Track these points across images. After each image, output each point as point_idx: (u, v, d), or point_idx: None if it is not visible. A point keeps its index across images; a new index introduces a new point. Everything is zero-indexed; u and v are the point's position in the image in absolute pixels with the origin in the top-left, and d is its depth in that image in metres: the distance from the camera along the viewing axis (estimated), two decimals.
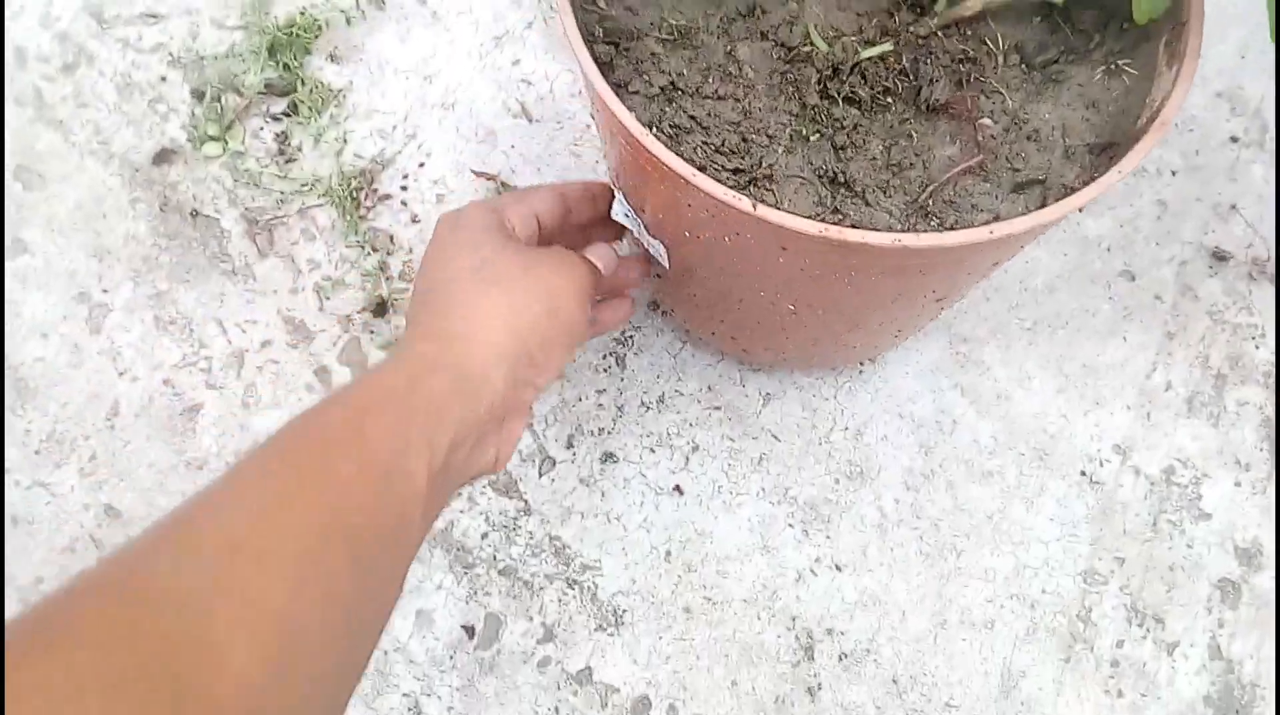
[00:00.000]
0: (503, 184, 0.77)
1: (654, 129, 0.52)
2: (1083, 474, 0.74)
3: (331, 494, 0.37)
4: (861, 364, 0.76)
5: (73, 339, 0.73)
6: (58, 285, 0.74)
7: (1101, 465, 0.75)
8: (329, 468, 0.38)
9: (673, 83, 0.53)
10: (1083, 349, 0.78)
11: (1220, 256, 0.82)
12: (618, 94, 0.53)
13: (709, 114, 0.53)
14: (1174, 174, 0.85)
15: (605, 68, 0.53)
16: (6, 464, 0.70)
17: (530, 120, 0.80)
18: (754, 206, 0.47)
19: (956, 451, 0.74)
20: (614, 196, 0.63)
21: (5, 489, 0.69)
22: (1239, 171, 0.85)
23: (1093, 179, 0.52)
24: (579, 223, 0.62)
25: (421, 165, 0.78)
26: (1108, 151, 0.54)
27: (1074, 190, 0.52)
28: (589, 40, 0.53)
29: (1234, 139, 0.87)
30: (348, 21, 0.81)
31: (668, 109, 0.53)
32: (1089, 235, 0.82)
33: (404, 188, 0.77)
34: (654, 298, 0.76)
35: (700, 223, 0.52)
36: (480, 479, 0.58)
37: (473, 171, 0.77)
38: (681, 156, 0.51)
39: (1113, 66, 0.55)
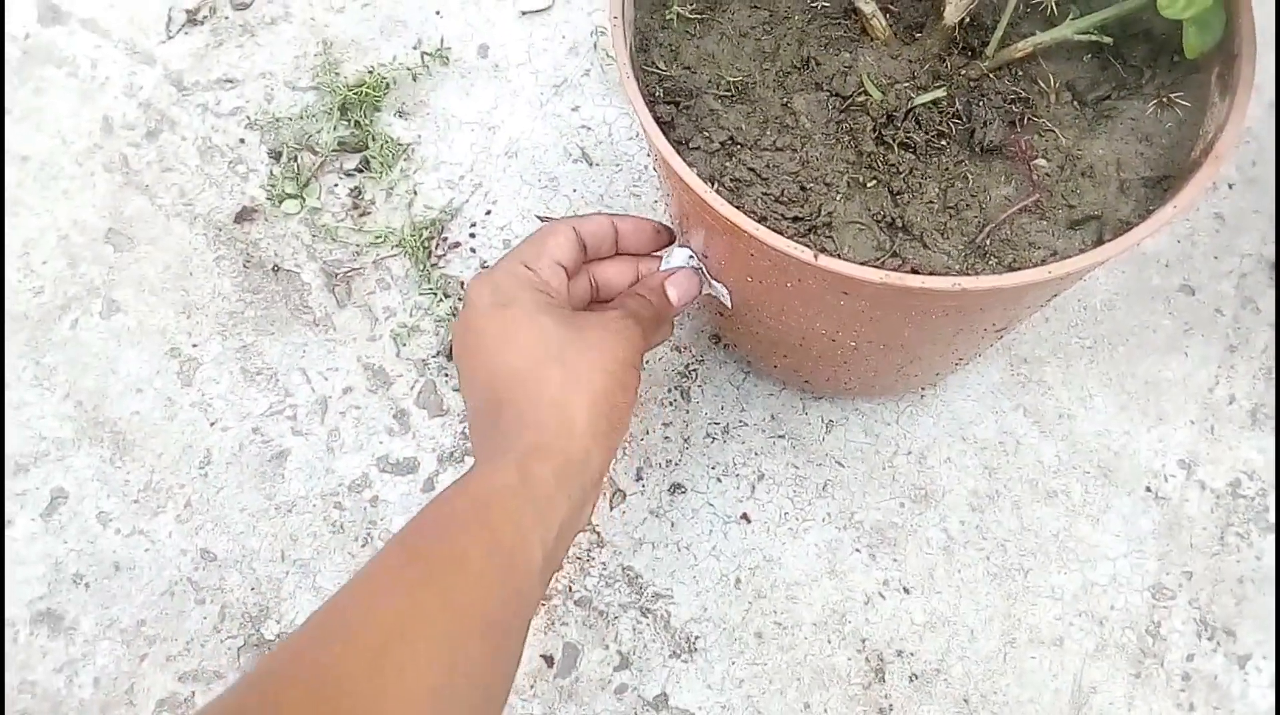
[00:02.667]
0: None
1: (715, 184, 0.54)
2: (1148, 490, 0.75)
3: (465, 579, 0.42)
4: (923, 390, 0.77)
5: (166, 393, 0.77)
6: (150, 342, 0.78)
7: (1166, 480, 0.75)
8: (460, 556, 0.43)
9: (732, 137, 0.55)
10: (1144, 365, 0.79)
11: None
12: (679, 150, 0.55)
13: (768, 165, 0.55)
14: (1230, 187, 0.85)
15: (666, 126, 0.56)
16: (109, 512, 0.74)
17: (590, 164, 0.82)
18: (815, 257, 0.49)
19: (1021, 472, 0.76)
20: (674, 240, 0.65)
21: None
22: None
23: (1149, 212, 0.53)
24: (630, 251, 0.63)
25: (488, 213, 0.81)
26: (1163, 184, 0.55)
27: (1131, 225, 0.54)
28: (650, 101, 0.56)
29: None
30: (414, 78, 0.84)
31: (728, 163, 0.55)
32: (1146, 252, 0.82)
33: (472, 235, 0.81)
34: (716, 332, 0.78)
35: (763, 270, 0.55)
36: None
37: (537, 217, 0.80)
38: (743, 208, 0.54)
39: (1165, 100, 0.56)
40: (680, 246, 0.63)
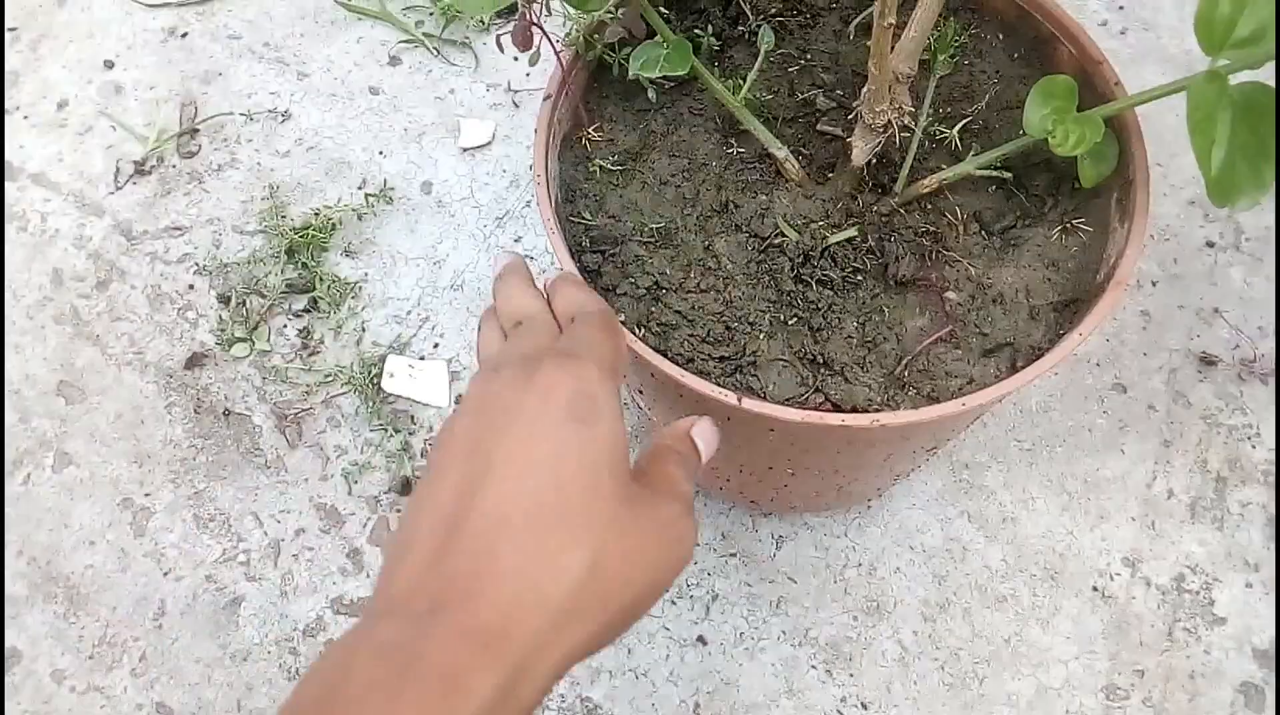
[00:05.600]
0: None
1: (643, 329, 0.56)
2: (1094, 589, 0.76)
3: None
4: (868, 501, 0.79)
5: (119, 544, 0.77)
6: (102, 494, 0.78)
7: (1112, 579, 0.77)
8: None
9: (657, 282, 0.58)
10: (1082, 465, 0.80)
11: (1208, 361, 0.85)
12: (607, 297, 0.57)
13: (693, 307, 0.57)
14: (1154, 284, 0.88)
15: (594, 274, 0.58)
16: (63, 670, 0.74)
17: None
18: (739, 400, 0.51)
19: (969, 578, 0.77)
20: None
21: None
22: (1218, 275, 0.89)
23: (1059, 337, 0.56)
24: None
25: (436, 346, 0.83)
26: (1071, 307, 0.58)
27: (1042, 350, 0.56)
28: (578, 250, 0.58)
29: (1210, 244, 0.90)
30: (359, 218, 0.86)
31: (654, 308, 0.57)
32: (1078, 352, 0.85)
33: (421, 357, 0.82)
34: None
35: (692, 408, 0.56)
36: None
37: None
38: (670, 351, 0.56)
39: (1068, 226, 0.59)
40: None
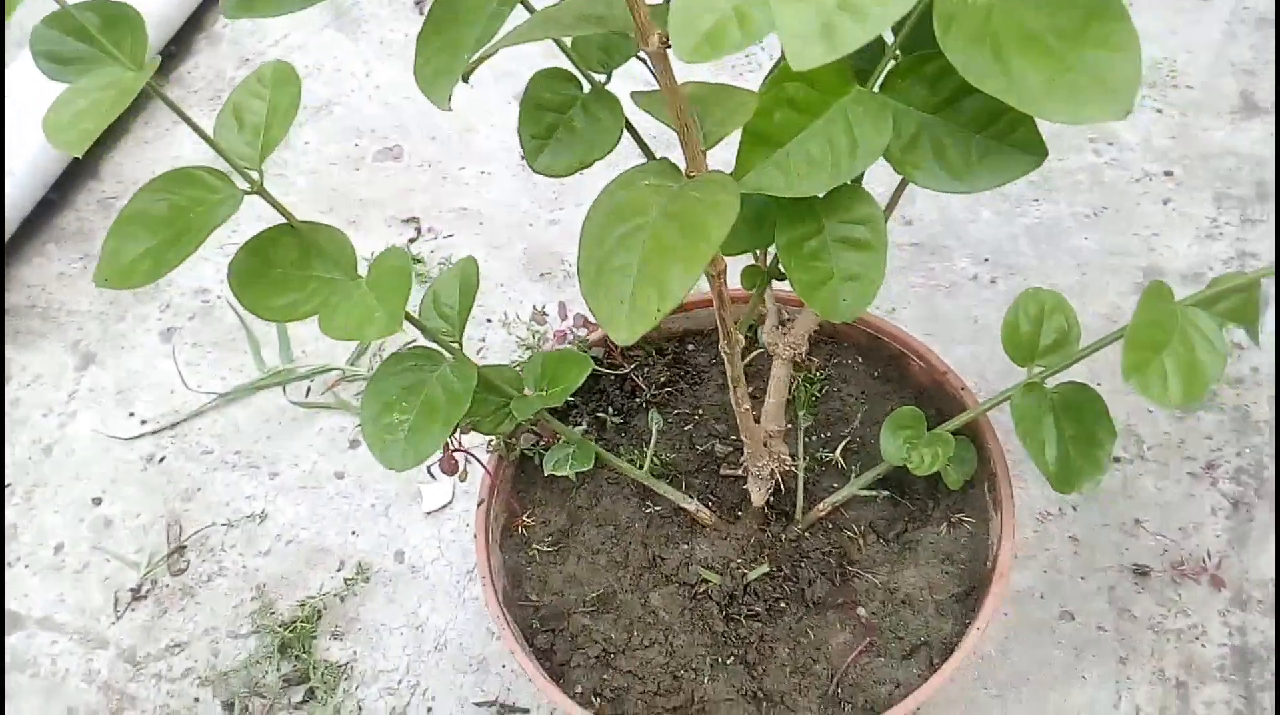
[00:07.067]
0: (502, 706, 0.87)
1: (598, 698, 0.62)
2: None
3: None
4: None
5: None
6: None
7: None
8: None
9: (605, 649, 0.64)
10: (1050, 701, 0.85)
11: (1141, 571, 0.91)
12: (562, 671, 0.64)
13: (641, 664, 0.64)
14: (1075, 508, 0.96)
15: (547, 654, 0.64)
16: None
17: None
18: None
19: None
20: None
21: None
22: (1132, 487, 0.96)
23: (967, 625, 0.62)
24: None
25: (430, 710, 0.88)
26: (972, 595, 0.65)
27: (953, 644, 0.62)
28: (530, 633, 0.65)
29: (1117, 459, 0.98)
30: (341, 600, 0.94)
31: (606, 674, 0.64)
32: (1020, 588, 0.91)
33: None
34: None
35: None
36: None
37: (475, 704, 0.88)
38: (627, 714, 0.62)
39: (953, 521, 0.67)
40: None
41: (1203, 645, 0.87)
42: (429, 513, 0.99)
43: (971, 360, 1.01)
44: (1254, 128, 1.13)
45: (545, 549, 0.69)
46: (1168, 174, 1.11)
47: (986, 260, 1.09)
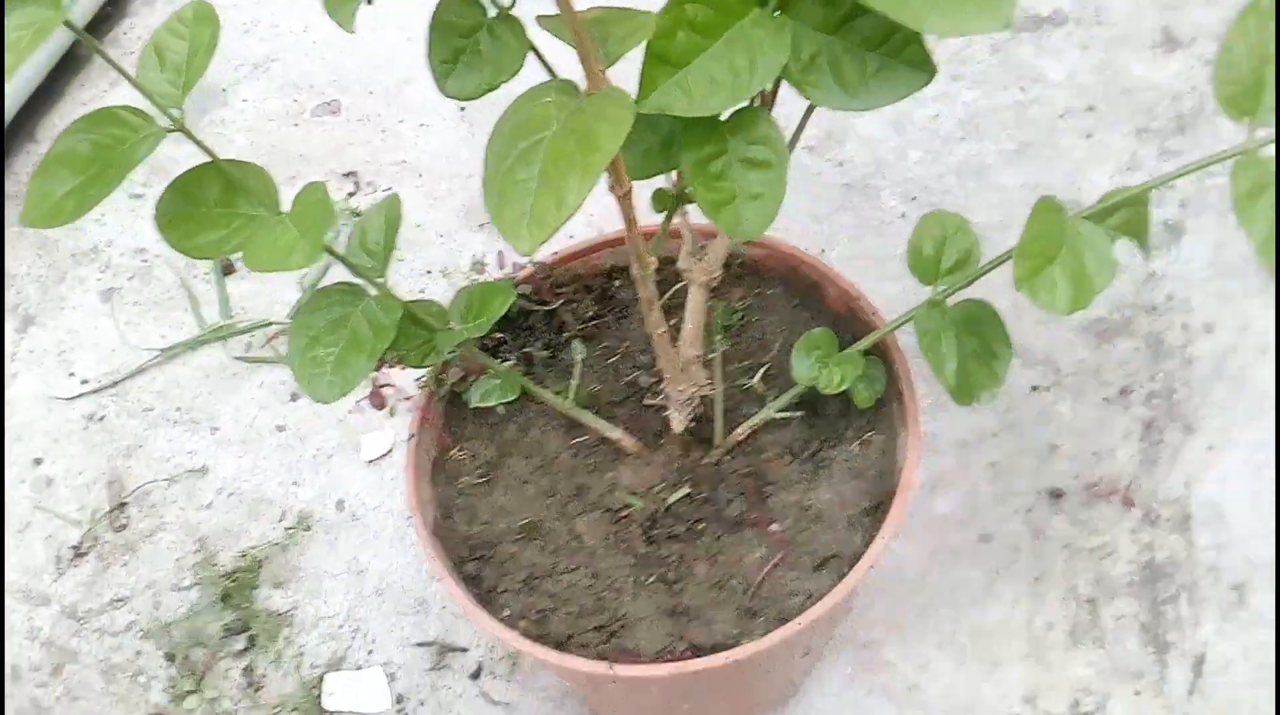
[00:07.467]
0: (442, 645, 0.90)
1: (524, 620, 0.65)
2: None
3: None
4: (786, 700, 0.86)
5: None
6: None
7: None
8: None
9: (531, 574, 0.67)
10: (968, 618, 0.89)
11: (1056, 494, 0.95)
12: (490, 597, 0.66)
13: (566, 586, 0.66)
14: (994, 435, 0.99)
15: (475, 581, 0.67)
16: None
17: None
18: (610, 668, 0.59)
19: None
20: None
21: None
22: (1048, 414, 1.00)
23: (874, 538, 0.66)
24: None
25: (370, 653, 0.90)
26: (880, 509, 0.68)
27: (862, 555, 0.65)
28: (460, 561, 0.67)
29: (1035, 388, 1.02)
30: (283, 550, 0.95)
31: (532, 597, 0.66)
32: (939, 514, 0.94)
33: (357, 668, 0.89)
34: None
35: (582, 682, 0.64)
36: None
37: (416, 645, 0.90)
38: (550, 633, 0.64)
39: (865, 440, 0.70)
40: None
41: (1113, 562, 0.91)
42: (370, 461, 1.01)
43: (901, 294, 1.03)
44: (1173, 62, 1.15)
45: (475, 481, 0.71)
46: (1090, 109, 1.14)
47: (914, 199, 1.11)
